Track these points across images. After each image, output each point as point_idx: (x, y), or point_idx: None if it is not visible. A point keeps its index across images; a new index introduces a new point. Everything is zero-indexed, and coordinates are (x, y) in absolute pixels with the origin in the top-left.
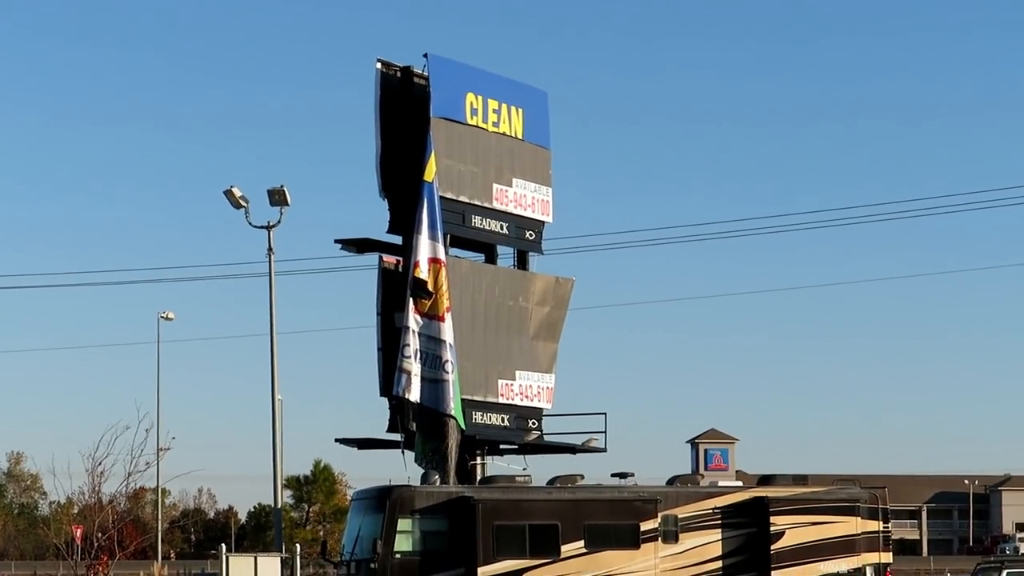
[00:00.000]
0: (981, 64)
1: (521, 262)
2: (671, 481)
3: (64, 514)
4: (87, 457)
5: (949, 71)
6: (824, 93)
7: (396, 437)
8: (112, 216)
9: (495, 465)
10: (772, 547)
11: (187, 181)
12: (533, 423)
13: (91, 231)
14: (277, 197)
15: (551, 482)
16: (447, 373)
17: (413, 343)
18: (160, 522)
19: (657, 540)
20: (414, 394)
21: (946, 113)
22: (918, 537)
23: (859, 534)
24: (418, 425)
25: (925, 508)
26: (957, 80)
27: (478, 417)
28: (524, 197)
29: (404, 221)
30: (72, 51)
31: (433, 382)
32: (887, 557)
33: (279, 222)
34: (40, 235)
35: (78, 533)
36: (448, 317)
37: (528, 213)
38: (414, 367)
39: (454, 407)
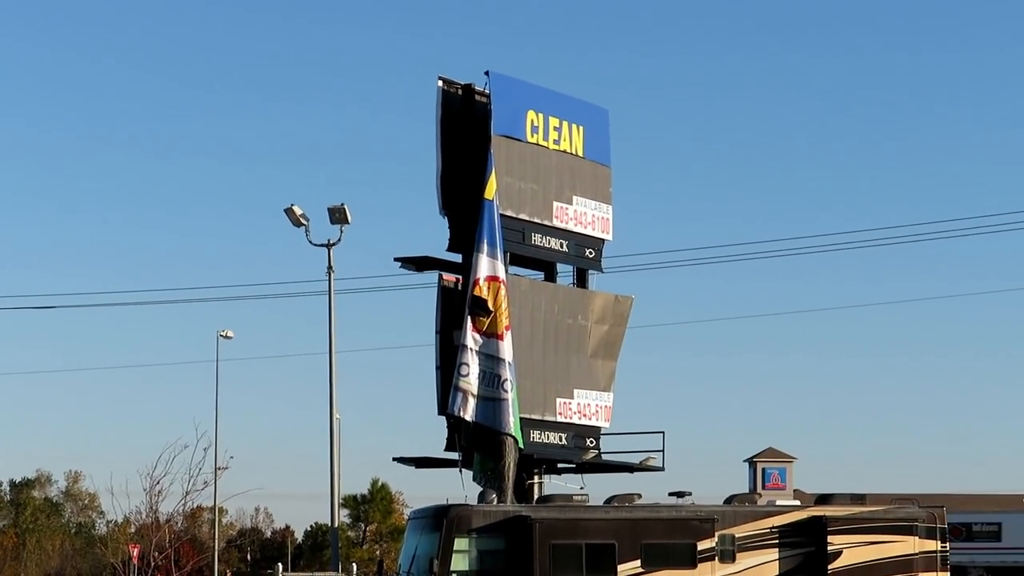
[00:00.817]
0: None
1: (580, 280)
2: (728, 500)
3: (121, 533)
4: (145, 476)
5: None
6: (888, 111)
7: (454, 456)
8: (169, 235)
9: (552, 484)
10: (830, 567)
11: (246, 200)
12: (591, 442)
13: (149, 251)
14: (337, 215)
15: (608, 501)
16: (505, 392)
17: (471, 361)
18: (217, 541)
19: (714, 559)
20: (469, 413)
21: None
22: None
23: (917, 554)
24: (475, 444)
25: None
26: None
27: (536, 436)
28: (584, 215)
29: (464, 239)
30: (138, 79)
31: (491, 400)
32: None
33: (339, 240)
34: (101, 256)
35: (135, 552)
36: (508, 336)
37: (588, 231)
38: (471, 386)
39: (512, 425)
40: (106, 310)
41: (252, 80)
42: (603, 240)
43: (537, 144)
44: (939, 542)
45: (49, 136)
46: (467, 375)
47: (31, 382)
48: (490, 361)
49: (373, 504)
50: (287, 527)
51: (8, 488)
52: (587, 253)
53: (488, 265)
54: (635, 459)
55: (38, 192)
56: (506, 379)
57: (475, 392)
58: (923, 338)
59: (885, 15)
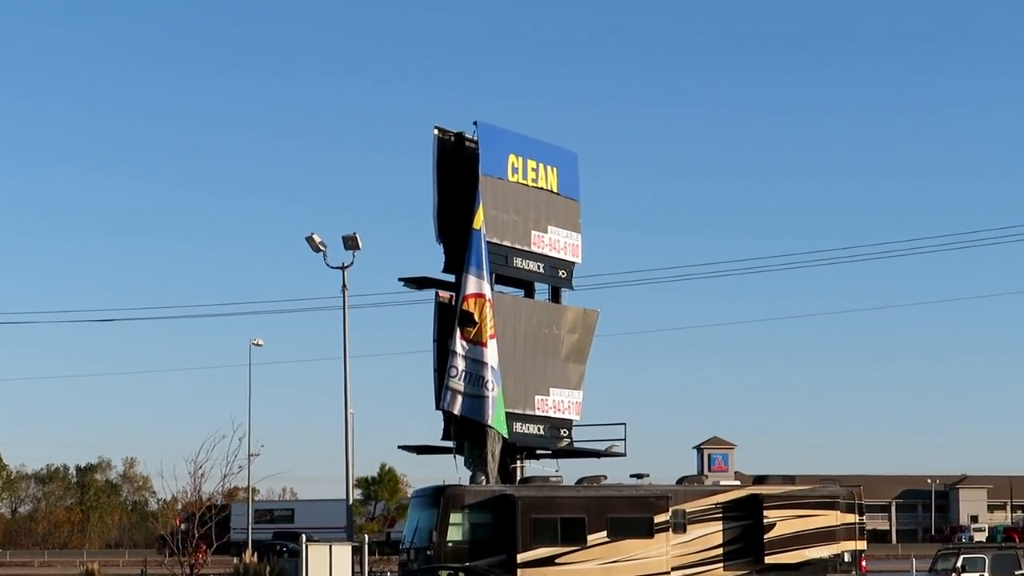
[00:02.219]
0: None
1: (555, 296)
2: (680, 481)
3: (170, 509)
4: (190, 462)
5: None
6: (825, 129)
7: (449, 444)
8: (209, 260)
9: (532, 467)
10: (765, 536)
11: (274, 231)
12: (564, 432)
13: (193, 273)
14: (350, 242)
15: (579, 482)
16: (488, 390)
17: (459, 365)
18: (250, 516)
19: (668, 531)
20: (458, 408)
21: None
22: (888, 528)
23: (839, 525)
24: (464, 434)
25: (894, 503)
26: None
27: (518, 427)
28: (557, 242)
29: (456, 262)
30: (191, 127)
31: (475, 398)
32: (862, 545)
33: (352, 264)
34: (153, 277)
35: (179, 521)
36: (492, 343)
37: (561, 255)
38: (459, 385)
39: (493, 419)
40: (157, 323)
41: (281, 127)
42: (574, 263)
43: (517, 182)
44: (857, 515)
45: (110, 177)
46: (456, 376)
47: (94, 383)
48: (475, 365)
49: (382, 484)
50: None
51: (74, 472)
52: (560, 274)
53: (475, 284)
54: (601, 446)
55: (100, 224)
56: (489, 380)
57: (462, 390)
58: (847, 344)
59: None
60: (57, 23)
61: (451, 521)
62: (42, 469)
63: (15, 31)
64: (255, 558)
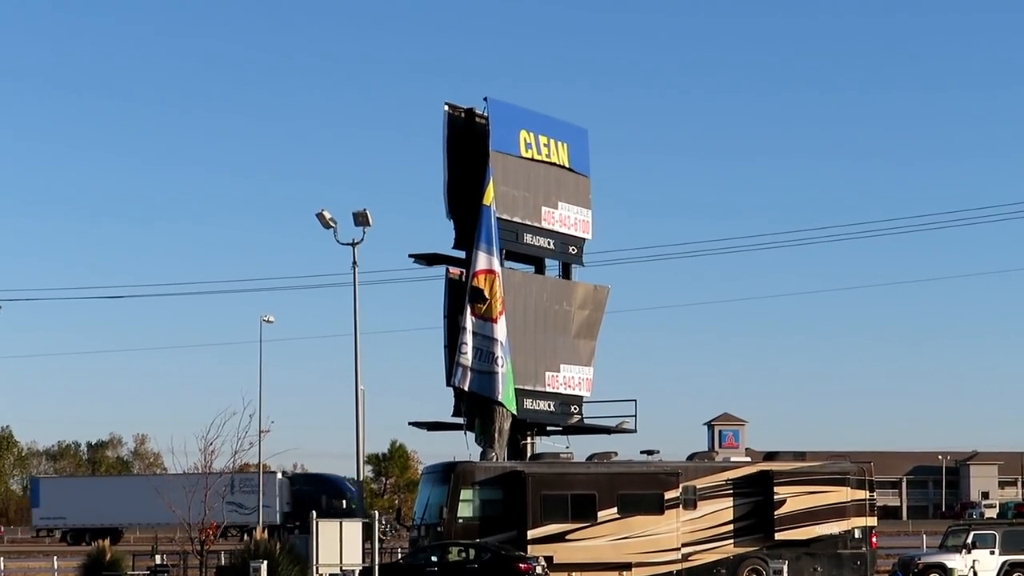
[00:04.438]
0: None
1: (565, 273)
2: (690, 457)
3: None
4: (200, 438)
5: None
6: (841, 109)
7: (460, 421)
8: (220, 237)
9: (543, 444)
10: (775, 512)
11: (284, 207)
12: (575, 408)
13: (203, 250)
14: (360, 219)
15: (589, 458)
16: (498, 366)
17: (469, 341)
18: (260, 493)
19: (679, 507)
20: (468, 384)
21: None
22: (899, 504)
23: (849, 501)
24: (475, 411)
25: (905, 479)
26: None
27: (528, 403)
28: (568, 218)
29: (466, 239)
30: (209, 113)
31: (484, 374)
32: (872, 521)
33: (362, 240)
34: (163, 253)
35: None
36: (502, 319)
37: (571, 231)
38: (469, 362)
39: (503, 395)
40: (168, 299)
41: (291, 108)
42: (584, 239)
43: (528, 158)
44: (867, 491)
45: (123, 159)
46: (466, 353)
47: (105, 360)
48: (485, 341)
49: (392, 461)
50: None
51: (86, 448)
52: (570, 250)
53: (485, 260)
54: (612, 423)
55: (110, 204)
56: (499, 356)
57: (472, 367)
58: (858, 321)
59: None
60: (84, 8)
61: (461, 497)
62: (53, 446)
63: (36, 18)
64: (265, 534)
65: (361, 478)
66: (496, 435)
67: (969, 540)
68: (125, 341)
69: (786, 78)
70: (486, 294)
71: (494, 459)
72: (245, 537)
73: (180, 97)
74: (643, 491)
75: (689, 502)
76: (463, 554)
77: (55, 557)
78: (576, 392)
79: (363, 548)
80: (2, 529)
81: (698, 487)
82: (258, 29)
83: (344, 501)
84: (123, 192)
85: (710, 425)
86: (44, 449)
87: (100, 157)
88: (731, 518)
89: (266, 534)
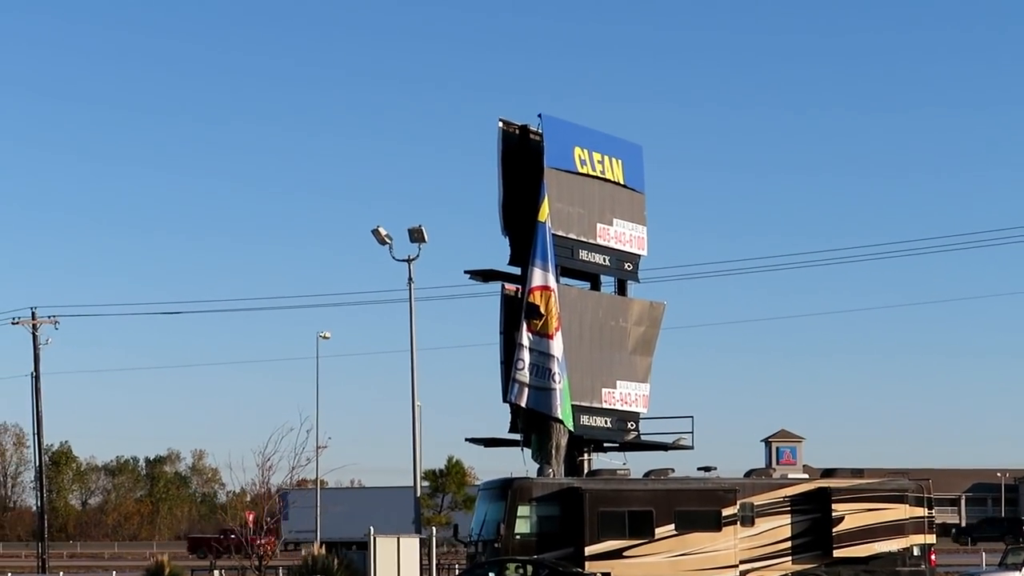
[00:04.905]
0: None
1: (621, 289)
2: (748, 474)
3: (239, 502)
4: (258, 454)
5: None
6: (901, 123)
7: (516, 437)
8: (277, 254)
9: (599, 460)
10: (834, 530)
11: (342, 222)
12: (631, 425)
13: (261, 266)
14: (416, 235)
15: (646, 475)
16: (554, 383)
17: (526, 357)
18: (318, 508)
19: (736, 524)
20: (524, 400)
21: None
22: (958, 521)
23: (907, 519)
24: (531, 427)
25: (964, 497)
26: None
27: (585, 420)
28: (623, 234)
29: (522, 255)
30: (276, 132)
31: (541, 390)
32: (931, 538)
33: (418, 256)
34: (222, 270)
35: (250, 518)
36: (558, 335)
37: (626, 248)
38: (526, 378)
39: (561, 411)
40: (225, 315)
41: (347, 125)
42: (639, 255)
43: (583, 175)
44: (926, 509)
45: (180, 176)
46: (522, 369)
47: (163, 376)
48: (542, 357)
49: (449, 477)
50: None
51: (144, 464)
52: (626, 266)
53: (541, 276)
54: (669, 439)
55: (168, 220)
56: (555, 372)
57: (529, 383)
58: (913, 337)
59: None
60: (153, 30)
61: (519, 514)
62: (112, 461)
63: (97, 40)
64: (323, 550)
65: (418, 494)
66: (553, 451)
67: None
68: (183, 357)
69: (843, 93)
70: (542, 310)
71: (551, 475)
72: (303, 552)
73: (236, 115)
74: (701, 508)
75: (747, 519)
76: (520, 571)
77: (114, 572)
78: (633, 408)
79: (420, 564)
80: None
81: (756, 504)
82: (313, 48)
83: None
84: (181, 209)
85: (767, 442)
86: (103, 464)
87: (158, 175)
88: (789, 535)
89: (324, 548)
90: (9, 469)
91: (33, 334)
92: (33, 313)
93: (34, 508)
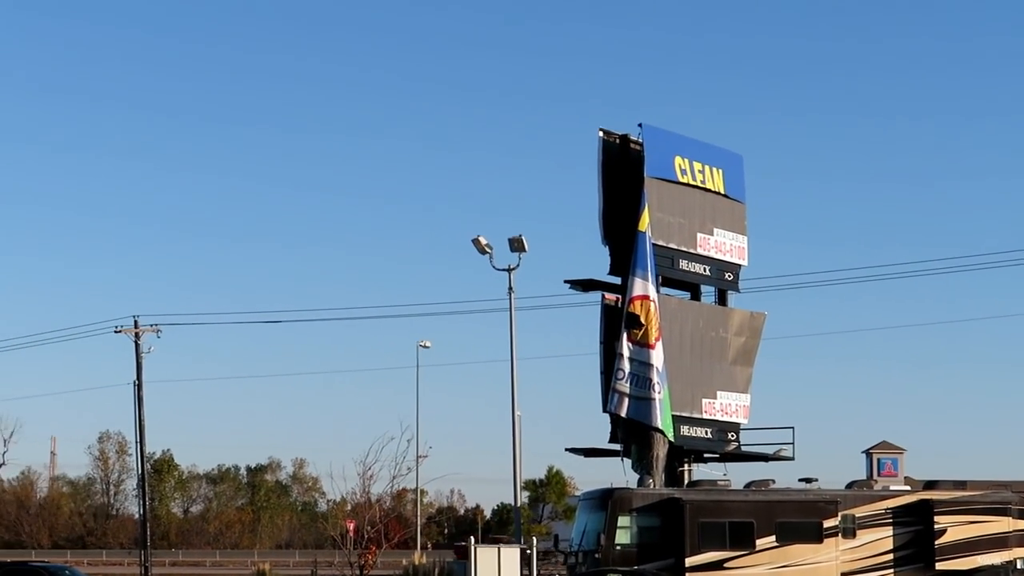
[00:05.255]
0: None
1: (721, 299)
2: (849, 485)
3: (339, 511)
4: (359, 463)
5: None
6: (995, 139)
7: (616, 447)
8: (378, 264)
9: (700, 471)
10: (936, 542)
11: (442, 231)
12: (732, 435)
13: (362, 276)
14: (516, 245)
15: (747, 486)
16: (655, 393)
17: (625, 367)
18: (419, 518)
19: (838, 535)
20: (624, 410)
21: None
22: None
23: (1011, 531)
24: (631, 437)
25: None
26: None
27: (685, 430)
28: (723, 244)
29: (622, 265)
30: (384, 145)
31: (641, 400)
32: None
33: (518, 266)
34: (323, 280)
35: (351, 527)
36: (658, 345)
37: (727, 258)
38: (626, 388)
39: (661, 421)
40: (325, 324)
41: (450, 134)
42: (740, 265)
43: (683, 184)
44: None
45: (281, 187)
46: (623, 379)
47: (264, 385)
48: (642, 367)
49: (549, 487)
50: (477, 506)
51: (245, 472)
52: (726, 276)
53: (641, 286)
54: (769, 450)
55: (269, 230)
56: (656, 382)
57: (629, 393)
58: (1017, 347)
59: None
60: (248, 42)
61: (619, 524)
62: (213, 470)
63: (172, 51)
64: (423, 558)
65: (518, 504)
66: (653, 462)
67: None
68: (284, 366)
69: (942, 99)
70: (642, 320)
71: (651, 486)
72: (404, 562)
73: (339, 127)
74: (801, 519)
75: (848, 531)
76: None
77: None
78: (733, 419)
79: (520, 574)
80: None
81: (857, 516)
82: (416, 61)
83: None
84: (283, 219)
85: (868, 453)
86: (204, 473)
87: (261, 186)
88: (891, 547)
89: (424, 558)
90: (112, 477)
91: (136, 343)
92: (136, 322)
93: (136, 516)
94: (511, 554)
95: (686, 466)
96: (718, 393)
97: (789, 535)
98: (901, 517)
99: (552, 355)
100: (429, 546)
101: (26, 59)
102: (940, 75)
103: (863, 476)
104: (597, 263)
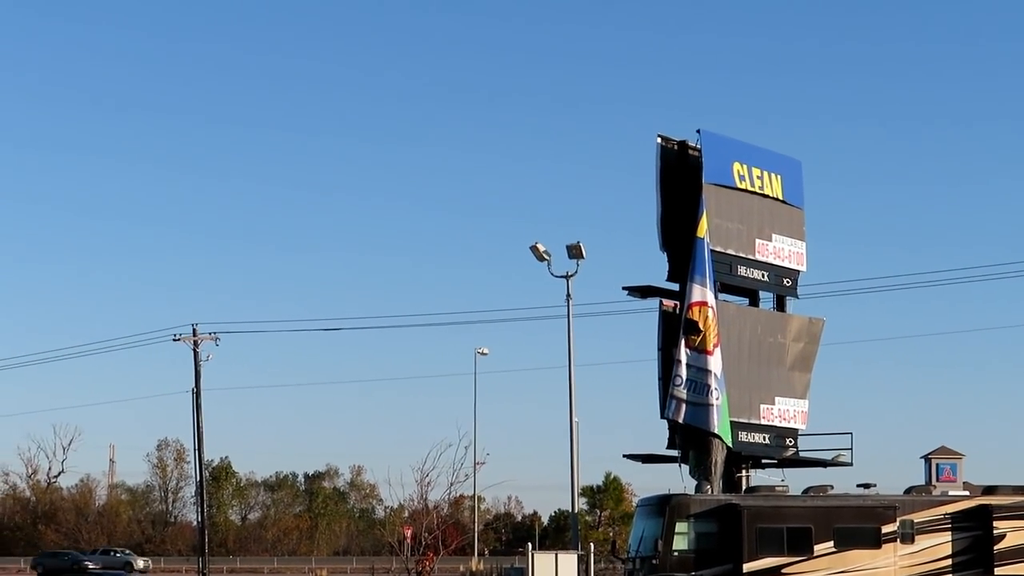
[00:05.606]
0: None
1: (779, 305)
2: (908, 491)
3: (397, 517)
4: (416, 470)
5: None
6: None
7: (674, 453)
8: (436, 270)
9: (758, 477)
10: (995, 547)
11: (500, 238)
12: (790, 441)
13: (420, 282)
14: (574, 252)
15: (805, 491)
16: (712, 399)
17: (683, 373)
18: (476, 524)
19: (896, 541)
20: (682, 417)
21: None
22: None
23: None
24: (689, 443)
25: None
26: None
27: (743, 436)
28: (782, 250)
29: (680, 271)
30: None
31: (699, 406)
32: None
33: (576, 272)
34: (381, 287)
35: (409, 533)
36: (716, 351)
37: (785, 263)
38: (683, 394)
39: (719, 427)
40: (383, 332)
41: (506, 142)
42: (798, 271)
43: (742, 190)
44: None
45: (338, 196)
46: (680, 385)
47: (321, 392)
48: (700, 373)
49: (607, 493)
50: (534, 513)
51: (303, 479)
52: (784, 282)
53: (700, 292)
54: (827, 456)
55: (327, 238)
56: (713, 388)
57: (687, 399)
58: None
59: None
60: (271, 43)
61: (677, 530)
62: (271, 477)
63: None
64: (481, 564)
65: (575, 510)
66: (711, 467)
67: None
68: (342, 373)
69: (1002, 102)
70: (700, 326)
71: (709, 492)
72: (461, 568)
73: (396, 135)
74: (860, 525)
75: (907, 536)
76: None
77: None
78: (791, 425)
79: None
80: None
81: (916, 521)
82: (470, 69)
83: None
84: (341, 226)
85: (927, 458)
86: (262, 480)
87: (320, 195)
88: (949, 552)
89: (481, 565)
90: (170, 484)
91: (194, 350)
92: (194, 330)
93: (195, 523)
94: (568, 560)
95: (744, 472)
96: (776, 399)
97: (847, 541)
98: (960, 522)
99: (610, 361)
100: (486, 552)
101: (90, 74)
102: (1001, 78)
103: (922, 481)
104: (655, 269)
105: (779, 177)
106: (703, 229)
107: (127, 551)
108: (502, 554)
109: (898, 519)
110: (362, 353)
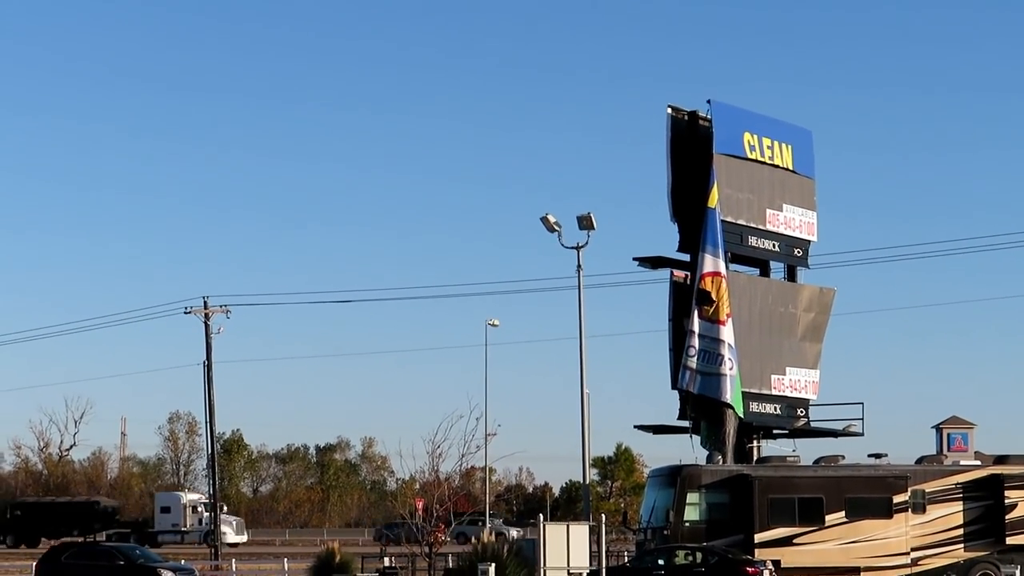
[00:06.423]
0: None
1: (790, 275)
2: (919, 461)
3: (408, 489)
4: (428, 441)
5: None
6: None
7: (685, 424)
8: (446, 242)
9: (769, 447)
10: (1007, 517)
11: (510, 209)
12: (801, 411)
13: (432, 255)
14: (585, 222)
15: (816, 462)
16: (725, 369)
17: (696, 344)
18: (488, 496)
19: (907, 511)
20: (695, 387)
21: None
22: None
23: None
24: (701, 413)
25: None
26: None
27: (754, 407)
28: (792, 220)
29: (691, 241)
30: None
31: (711, 376)
32: None
33: (587, 243)
34: (391, 259)
35: (420, 505)
36: (729, 322)
37: (796, 234)
38: (695, 364)
39: (731, 397)
40: (394, 303)
41: (516, 114)
42: (809, 241)
43: (752, 160)
44: None
45: (355, 169)
46: (692, 355)
47: (332, 364)
48: (712, 343)
49: (618, 464)
50: (546, 484)
51: (314, 451)
52: (795, 252)
53: (711, 263)
54: (839, 426)
55: (338, 211)
56: (727, 358)
57: (699, 369)
58: None
59: None
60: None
61: (688, 501)
62: (283, 449)
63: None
64: (492, 537)
65: (587, 481)
66: (723, 438)
67: None
68: (353, 345)
69: (1014, 71)
70: (713, 296)
71: (720, 462)
72: (472, 540)
73: (408, 105)
74: (871, 495)
75: (918, 506)
76: (690, 558)
77: (285, 559)
78: (802, 395)
79: (589, 551)
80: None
81: (927, 491)
82: (482, 40)
83: None
84: (350, 198)
85: (938, 428)
86: (274, 452)
87: (329, 166)
88: (961, 522)
89: (493, 536)
90: (182, 457)
91: (205, 323)
92: (205, 302)
93: (206, 495)
94: (580, 531)
95: (755, 442)
96: (787, 369)
97: (858, 511)
98: (971, 492)
99: (621, 332)
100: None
101: (100, 44)
102: (1011, 46)
103: (933, 451)
104: (666, 240)
105: (789, 147)
106: (714, 199)
107: None
108: (513, 526)
109: (909, 489)
110: (373, 325)
